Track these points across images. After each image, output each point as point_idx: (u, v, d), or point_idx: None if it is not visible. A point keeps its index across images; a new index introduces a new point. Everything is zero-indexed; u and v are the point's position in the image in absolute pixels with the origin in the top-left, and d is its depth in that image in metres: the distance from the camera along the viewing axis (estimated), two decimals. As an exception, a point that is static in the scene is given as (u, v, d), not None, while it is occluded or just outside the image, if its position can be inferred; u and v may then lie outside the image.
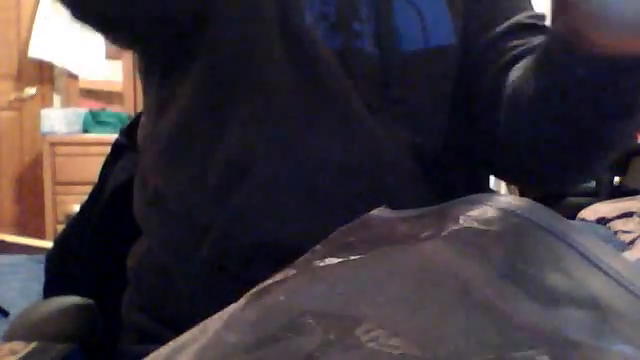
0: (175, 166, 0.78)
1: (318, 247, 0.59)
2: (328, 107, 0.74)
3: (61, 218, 3.60)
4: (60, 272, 0.98)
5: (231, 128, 0.74)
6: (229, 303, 0.57)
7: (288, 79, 0.73)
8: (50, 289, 0.98)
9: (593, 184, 3.49)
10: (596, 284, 0.48)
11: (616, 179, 3.44)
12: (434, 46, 0.77)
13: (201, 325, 0.52)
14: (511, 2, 0.82)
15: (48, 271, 0.99)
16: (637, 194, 2.73)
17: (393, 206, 0.62)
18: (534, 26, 0.79)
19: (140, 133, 0.87)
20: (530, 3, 0.85)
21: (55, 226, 3.68)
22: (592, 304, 0.46)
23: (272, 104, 0.74)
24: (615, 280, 0.48)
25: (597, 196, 3.12)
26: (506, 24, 0.79)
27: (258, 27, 0.74)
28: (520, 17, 0.80)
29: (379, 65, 0.76)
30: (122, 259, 0.86)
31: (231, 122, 0.74)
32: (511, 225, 0.53)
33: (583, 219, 2.48)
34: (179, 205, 0.77)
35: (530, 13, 0.82)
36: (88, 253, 0.96)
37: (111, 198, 0.93)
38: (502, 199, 0.56)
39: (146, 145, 0.84)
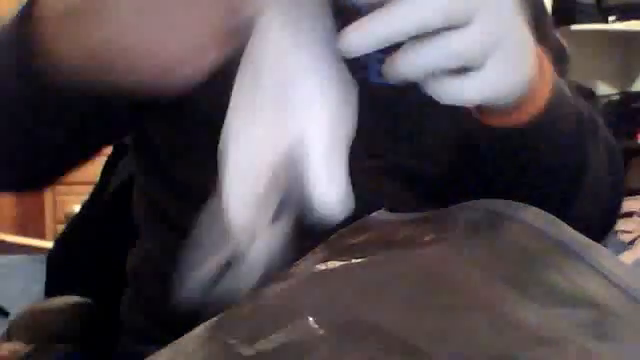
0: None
1: (318, 250, 0.59)
2: None
3: (61, 218, 3.59)
4: (61, 272, 0.98)
5: None
6: (228, 304, 0.57)
7: None
8: (51, 289, 0.98)
9: (593, 184, 3.49)
10: (594, 286, 0.48)
11: (616, 179, 3.44)
12: None
13: (201, 327, 0.52)
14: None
15: (49, 271, 0.99)
16: (637, 194, 2.73)
17: (392, 208, 0.62)
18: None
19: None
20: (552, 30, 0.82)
21: (55, 226, 3.67)
22: (590, 306, 0.46)
23: None
24: (612, 282, 0.48)
25: (597, 196, 3.12)
26: None
27: None
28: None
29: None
30: (123, 259, 0.86)
31: None
32: (510, 230, 0.53)
33: (583, 219, 2.48)
34: (175, 211, 0.77)
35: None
36: (89, 253, 0.96)
37: (112, 198, 0.93)
38: (502, 204, 0.56)
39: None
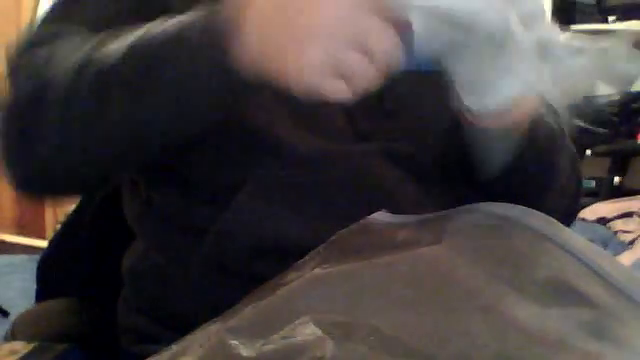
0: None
1: (319, 250, 0.59)
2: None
3: (61, 218, 3.59)
4: (54, 274, 0.98)
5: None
6: (227, 303, 0.57)
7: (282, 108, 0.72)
8: (43, 293, 0.98)
9: (593, 184, 3.49)
10: (593, 287, 0.48)
11: (616, 179, 3.44)
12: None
13: (203, 328, 0.52)
14: None
15: (41, 274, 0.99)
16: (637, 194, 2.73)
17: (392, 209, 0.62)
18: None
19: None
20: None
21: (55, 226, 3.67)
22: (589, 307, 0.46)
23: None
24: (611, 283, 0.48)
25: (597, 196, 3.12)
26: None
27: None
28: None
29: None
30: (118, 259, 0.86)
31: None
32: (509, 232, 0.53)
33: (583, 219, 2.48)
34: (174, 208, 0.77)
35: None
36: (83, 254, 0.96)
37: (105, 198, 0.93)
38: (501, 207, 0.56)
39: None
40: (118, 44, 0.63)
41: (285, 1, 0.56)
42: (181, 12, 0.64)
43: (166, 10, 0.66)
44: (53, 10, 0.76)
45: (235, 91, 0.60)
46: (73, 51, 0.65)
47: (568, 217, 0.86)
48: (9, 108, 0.68)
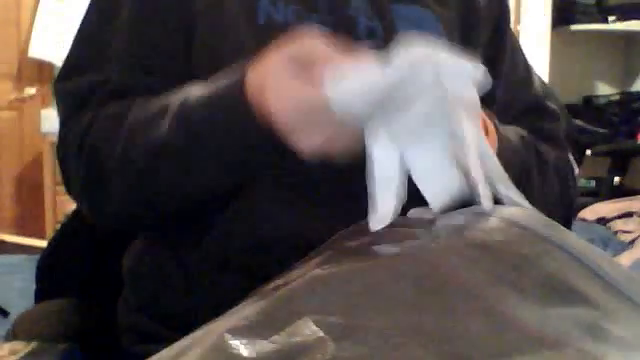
0: None
1: (320, 251, 0.59)
2: None
3: (61, 218, 3.59)
4: (54, 274, 0.98)
5: None
6: (227, 302, 0.57)
7: None
8: (43, 293, 0.98)
9: (593, 184, 3.49)
10: (593, 288, 0.48)
11: (616, 179, 3.44)
12: None
13: (204, 328, 0.52)
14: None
15: (41, 274, 0.99)
16: (637, 194, 2.73)
17: None
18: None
19: None
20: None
21: (55, 226, 3.67)
22: (589, 307, 0.46)
23: None
24: (611, 284, 0.48)
25: (597, 196, 3.12)
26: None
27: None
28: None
29: None
30: (118, 259, 0.86)
31: None
32: (512, 235, 0.53)
33: (583, 219, 2.48)
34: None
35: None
36: (83, 254, 0.96)
37: None
38: (505, 210, 0.56)
39: None
40: (158, 115, 0.71)
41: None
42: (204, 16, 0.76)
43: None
44: (86, 28, 0.82)
45: (266, 152, 0.67)
46: (115, 119, 0.75)
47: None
48: (79, 185, 0.79)
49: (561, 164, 0.89)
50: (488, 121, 0.75)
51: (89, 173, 0.76)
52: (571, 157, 0.93)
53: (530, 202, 0.72)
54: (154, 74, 0.77)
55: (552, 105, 0.94)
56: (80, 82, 0.79)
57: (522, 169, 0.81)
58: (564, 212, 0.89)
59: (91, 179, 0.77)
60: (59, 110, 0.81)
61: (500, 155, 0.69)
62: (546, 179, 0.86)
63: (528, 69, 0.96)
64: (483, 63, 0.64)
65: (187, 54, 0.77)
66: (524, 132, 0.86)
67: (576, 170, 0.94)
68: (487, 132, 0.73)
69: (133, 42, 0.78)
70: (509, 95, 0.89)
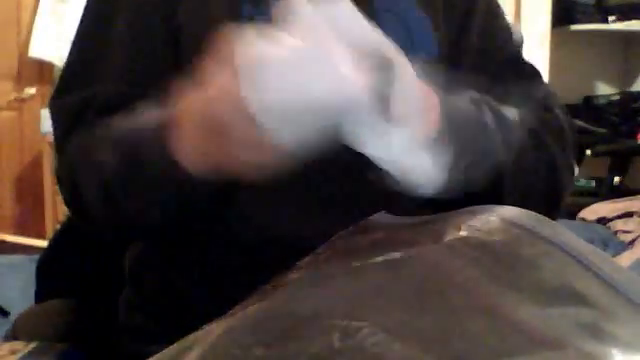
0: None
1: (320, 251, 0.59)
2: None
3: (61, 218, 3.59)
4: (54, 274, 0.98)
5: None
6: (227, 302, 0.57)
7: None
8: (43, 293, 0.98)
9: (593, 184, 3.49)
10: (592, 288, 0.48)
11: (616, 179, 3.44)
12: (421, 57, 0.76)
13: (206, 328, 0.52)
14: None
15: (41, 274, 0.99)
16: (637, 194, 2.73)
17: (392, 209, 0.62)
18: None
19: None
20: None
21: (55, 226, 3.67)
22: (589, 308, 0.46)
23: None
24: (610, 284, 0.48)
25: (597, 196, 3.12)
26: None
27: None
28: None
29: None
30: (118, 259, 0.86)
31: None
32: (512, 235, 0.53)
33: (583, 219, 2.48)
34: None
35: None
36: (83, 254, 0.96)
37: None
38: (505, 210, 0.56)
39: None
40: (110, 145, 0.72)
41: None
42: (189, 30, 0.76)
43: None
44: (79, 41, 0.82)
45: (190, 184, 0.66)
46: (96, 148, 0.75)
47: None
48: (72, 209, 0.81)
49: (535, 122, 0.80)
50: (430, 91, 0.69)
51: (74, 204, 0.78)
52: (558, 115, 0.84)
53: (492, 164, 0.70)
54: (149, 86, 0.76)
55: (530, 65, 0.91)
56: (73, 99, 0.79)
57: (477, 129, 0.73)
58: (548, 195, 0.81)
59: (76, 210, 0.79)
60: (53, 129, 0.83)
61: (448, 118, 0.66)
62: (510, 137, 0.77)
63: (508, 28, 0.92)
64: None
65: (174, 63, 0.76)
66: (481, 97, 0.77)
67: (576, 170, 0.88)
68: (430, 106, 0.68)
69: (129, 56, 0.78)
70: (484, 45, 0.87)
